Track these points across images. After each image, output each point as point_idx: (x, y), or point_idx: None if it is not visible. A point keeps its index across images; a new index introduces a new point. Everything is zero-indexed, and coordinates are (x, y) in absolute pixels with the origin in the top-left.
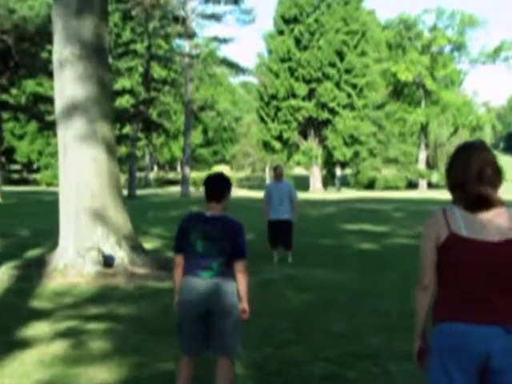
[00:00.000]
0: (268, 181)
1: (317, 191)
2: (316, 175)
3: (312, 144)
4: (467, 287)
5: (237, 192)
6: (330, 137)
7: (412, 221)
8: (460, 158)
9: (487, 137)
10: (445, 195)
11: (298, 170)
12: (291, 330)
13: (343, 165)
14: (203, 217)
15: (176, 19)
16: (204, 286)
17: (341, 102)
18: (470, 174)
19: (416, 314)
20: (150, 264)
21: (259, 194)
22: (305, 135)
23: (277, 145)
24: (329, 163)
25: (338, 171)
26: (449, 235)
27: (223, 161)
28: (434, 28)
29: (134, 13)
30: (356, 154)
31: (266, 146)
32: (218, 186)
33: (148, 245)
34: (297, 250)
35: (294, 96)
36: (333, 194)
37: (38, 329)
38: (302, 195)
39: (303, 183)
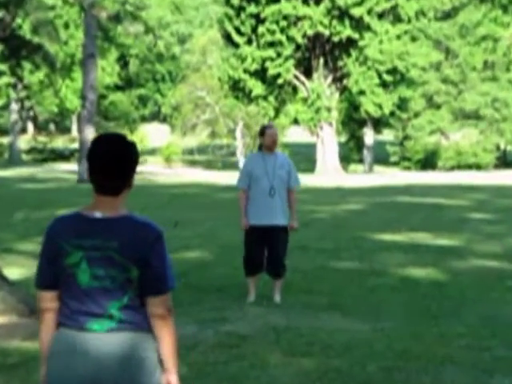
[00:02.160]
0: (241, 152)
1: (329, 173)
2: (328, 144)
3: (321, 86)
4: None
5: (180, 174)
6: (353, 72)
7: (506, 227)
8: None
9: None
10: None
11: (295, 135)
12: None
13: (378, 124)
14: (88, 221)
15: None
16: (95, 349)
17: (374, 6)
18: None
19: None
20: (15, 307)
21: (225, 177)
22: (308, 70)
23: (256, 87)
24: (352, 122)
25: (369, 136)
26: None
27: (157, 117)
28: None
29: None
30: (402, 104)
31: (237, 88)
32: (112, 162)
33: (13, 271)
34: (292, 279)
35: None
36: (358, 178)
37: None
38: (302, 178)
39: (304, 158)
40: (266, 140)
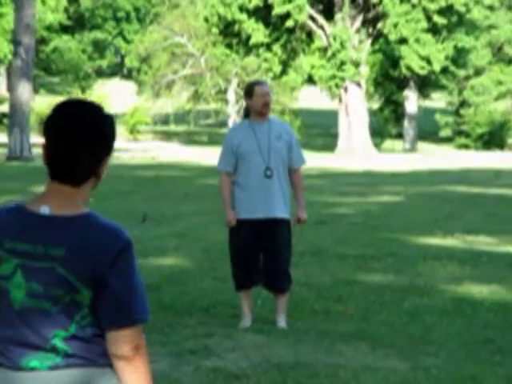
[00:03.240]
0: (234, 121)
1: (355, 151)
2: (355, 112)
3: (346, 31)
4: None
5: (151, 150)
6: (391, 11)
7: None
8: None
9: None
10: None
11: (309, 99)
12: None
13: (424, 85)
14: (30, 219)
15: None
16: None
17: None
18: None
19: None
20: None
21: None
22: (328, 9)
23: (257, 31)
24: (388, 81)
25: (412, 102)
26: None
27: (118, 71)
28: None
29: None
30: (459, 58)
31: (230, 33)
32: (80, 141)
33: None
34: (302, 296)
35: None
36: (396, 160)
37: None
38: (318, 159)
39: (321, 132)
40: (254, 102)
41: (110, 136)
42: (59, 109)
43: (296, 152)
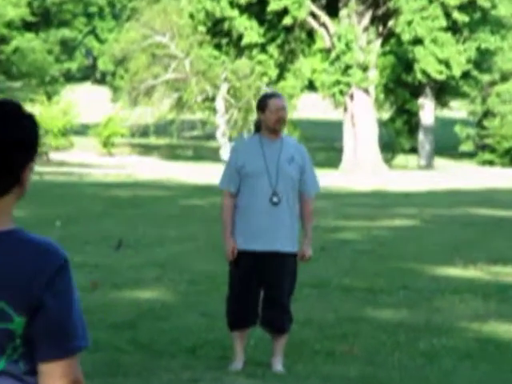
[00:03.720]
0: (223, 133)
1: (363, 168)
2: (363, 123)
3: (352, 29)
4: None
5: (127, 166)
6: (404, 7)
7: None
8: None
9: None
10: None
11: (310, 108)
12: None
13: (442, 92)
14: None
15: None
16: None
17: None
18: None
19: None
20: None
21: (199, 173)
22: (332, 4)
23: (250, 30)
24: (401, 88)
25: (428, 111)
26: None
27: (90, 75)
28: None
29: None
30: (482, 61)
31: (220, 32)
32: None
33: None
34: (302, 335)
35: None
36: (409, 178)
37: None
38: (319, 177)
39: (323, 145)
40: (267, 117)
41: (32, 138)
42: None
43: (309, 178)
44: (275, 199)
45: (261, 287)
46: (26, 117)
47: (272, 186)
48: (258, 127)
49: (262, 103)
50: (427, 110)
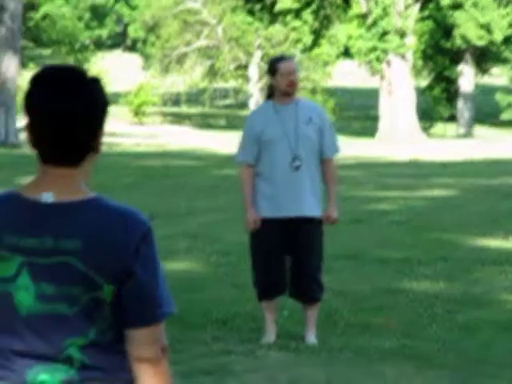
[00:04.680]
0: (257, 102)
1: (399, 137)
2: (400, 90)
3: None
4: None
5: (159, 135)
6: None
7: None
8: None
9: None
10: None
11: (346, 76)
12: None
13: (483, 58)
14: (31, 208)
15: None
16: None
17: None
18: None
19: None
20: None
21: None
22: None
23: None
24: (440, 54)
25: (468, 78)
26: None
27: (121, 42)
28: None
29: None
30: None
31: None
32: (71, 113)
33: None
34: (336, 307)
35: None
36: (448, 147)
37: None
38: (355, 146)
39: (360, 114)
40: (278, 81)
41: (102, 103)
42: (40, 79)
43: (329, 139)
44: (296, 163)
45: (286, 255)
46: (94, 81)
47: (292, 151)
48: (271, 93)
49: (272, 67)
50: (467, 77)
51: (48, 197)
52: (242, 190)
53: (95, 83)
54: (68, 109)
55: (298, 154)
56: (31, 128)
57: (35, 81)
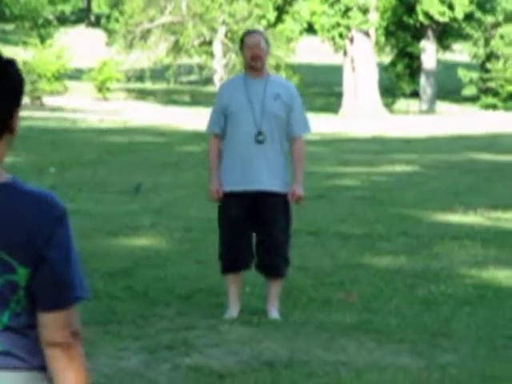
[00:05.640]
0: (221, 78)
1: (362, 113)
2: (363, 66)
3: None
4: None
5: (123, 111)
6: None
7: None
8: None
9: None
10: None
11: (309, 52)
12: None
13: (445, 35)
14: None
15: None
16: None
17: None
18: None
19: None
20: None
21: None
22: None
23: None
24: (402, 30)
25: (430, 54)
26: None
27: (84, 17)
28: None
29: None
30: (485, 1)
31: None
32: None
33: None
34: (298, 281)
35: None
36: (410, 123)
37: None
38: (318, 122)
39: (323, 90)
40: (245, 54)
41: (17, 83)
42: None
43: (297, 117)
44: (260, 137)
45: (253, 229)
46: (8, 62)
47: (257, 125)
48: (247, 70)
49: (241, 41)
50: (429, 53)
51: None
52: (209, 159)
53: (11, 64)
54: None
55: (263, 129)
56: None
57: None
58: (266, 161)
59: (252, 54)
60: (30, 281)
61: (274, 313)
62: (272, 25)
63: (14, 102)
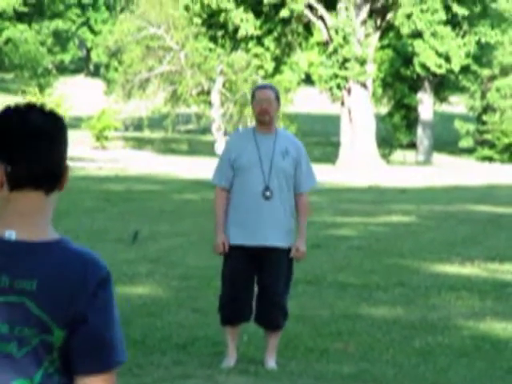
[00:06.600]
0: (218, 127)
1: (359, 163)
2: (360, 117)
3: (350, 22)
4: None
5: (121, 160)
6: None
7: None
8: None
9: None
10: None
11: (307, 102)
12: None
13: (442, 87)
14: None
15: None
16: None
17: None
18: None
19: None
20: None
21: (194, 167)
22: None
23: (247, 22)
24: (399, 82)
25: (427, 106)
26: None
27: (83, 67)
28: None
29: None
30: (482, 55)
31: (215, 24)
32: (43, 143)
33: None
34: (296, 332)
35: None
36: (407, 173)
37: None
38: (316, 173)
39: (320, 140)
40: (254, 108)
41: (65, 133)
42: (9, 114)
43: (304, 173)
44: (267, 193)
45: (254, 283)
46: (61, 119)
47: (265, 180)
48: (258, 124)
49: (252, 94)
50: (426, 105)
51: (11, 234)
52: (215, 212)
53: (62, 121)
54: (53, 145)
55: (271, 184)
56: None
57: (2, 117)
58: (272, 217)
59: (261, 108)
60: (65, 342)
61: (271, 363)
62: (270, 75)
63: (65, 150)
